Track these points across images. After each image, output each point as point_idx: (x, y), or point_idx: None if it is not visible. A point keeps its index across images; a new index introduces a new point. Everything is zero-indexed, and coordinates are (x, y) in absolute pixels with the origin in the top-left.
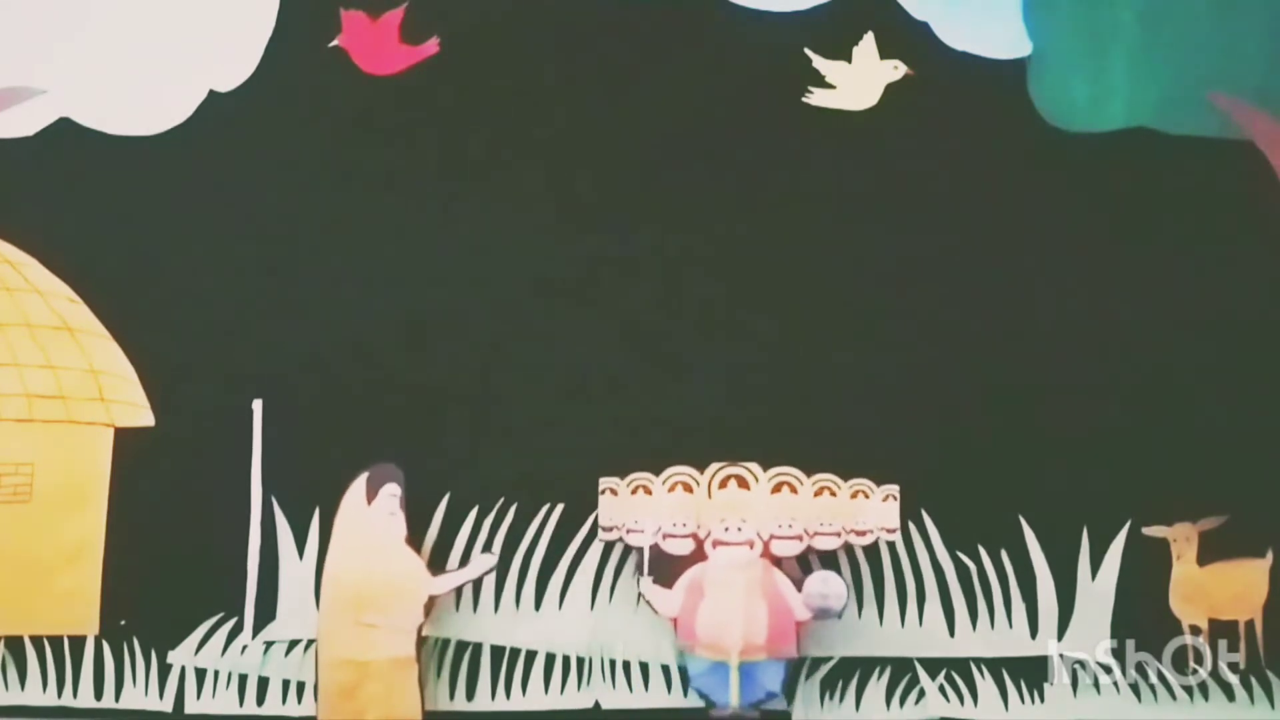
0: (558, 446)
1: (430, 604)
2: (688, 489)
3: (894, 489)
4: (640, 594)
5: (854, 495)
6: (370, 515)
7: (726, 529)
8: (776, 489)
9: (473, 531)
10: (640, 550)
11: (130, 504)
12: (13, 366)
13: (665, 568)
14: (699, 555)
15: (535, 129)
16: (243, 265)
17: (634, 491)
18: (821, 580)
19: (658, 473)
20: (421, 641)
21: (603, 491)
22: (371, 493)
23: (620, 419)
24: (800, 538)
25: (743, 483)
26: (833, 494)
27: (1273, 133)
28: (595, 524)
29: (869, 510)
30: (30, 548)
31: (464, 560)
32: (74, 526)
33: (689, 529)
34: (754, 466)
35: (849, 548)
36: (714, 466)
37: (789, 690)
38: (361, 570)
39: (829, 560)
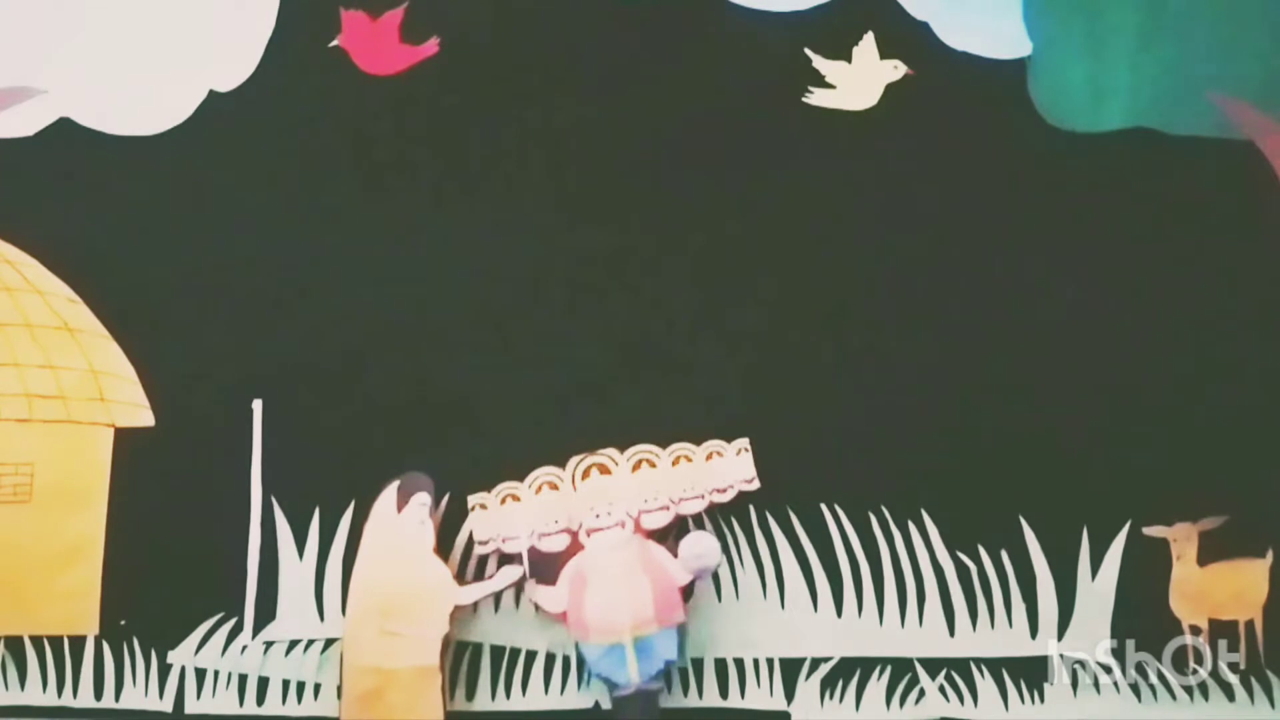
0: (558, 446)
1: (455, 614)
2: (554, 487)
3: (745, 443)
4: (529, 598)
5: (709, 457)
6: (400, 523)
7: (597, 516)
8: (636, 467)
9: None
10: (520, 555)
11: (130, 504)
12: (13, 366)
13: (548, 568)
14: (576, 548)
15: (535, 129)
16: (243, 265)
17: (503, 502)
18: (695, 541)
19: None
20: (446, 650)
21: (473, 508)
22: (402, 501)
23: (622, 418)
24: (667, 508)
25: (604, 469)
26: (689, 460)
27: (1273, 133)
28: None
29: (726, 468)
30: (30, 548)
31: (463, 562)
32: (74, 526)
33: (561, 525)
34: (612, 451)
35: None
36: (574, 459)
37: (682, 652)
38: (389, 578)
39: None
